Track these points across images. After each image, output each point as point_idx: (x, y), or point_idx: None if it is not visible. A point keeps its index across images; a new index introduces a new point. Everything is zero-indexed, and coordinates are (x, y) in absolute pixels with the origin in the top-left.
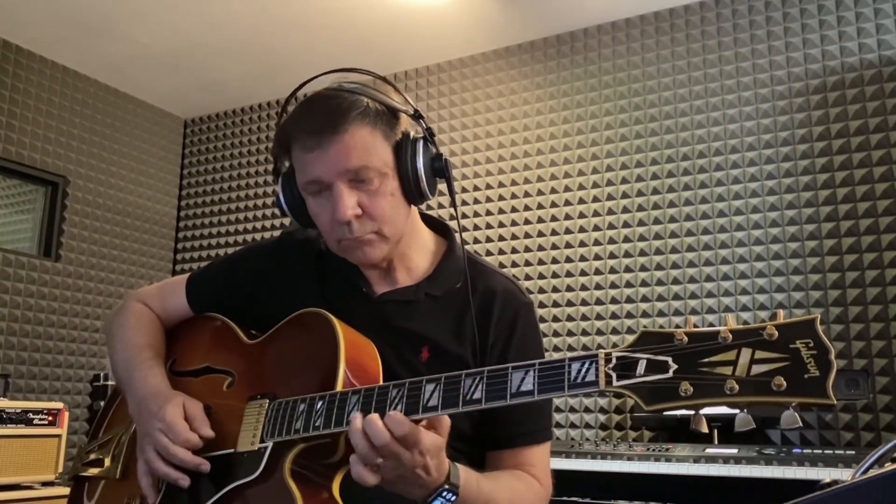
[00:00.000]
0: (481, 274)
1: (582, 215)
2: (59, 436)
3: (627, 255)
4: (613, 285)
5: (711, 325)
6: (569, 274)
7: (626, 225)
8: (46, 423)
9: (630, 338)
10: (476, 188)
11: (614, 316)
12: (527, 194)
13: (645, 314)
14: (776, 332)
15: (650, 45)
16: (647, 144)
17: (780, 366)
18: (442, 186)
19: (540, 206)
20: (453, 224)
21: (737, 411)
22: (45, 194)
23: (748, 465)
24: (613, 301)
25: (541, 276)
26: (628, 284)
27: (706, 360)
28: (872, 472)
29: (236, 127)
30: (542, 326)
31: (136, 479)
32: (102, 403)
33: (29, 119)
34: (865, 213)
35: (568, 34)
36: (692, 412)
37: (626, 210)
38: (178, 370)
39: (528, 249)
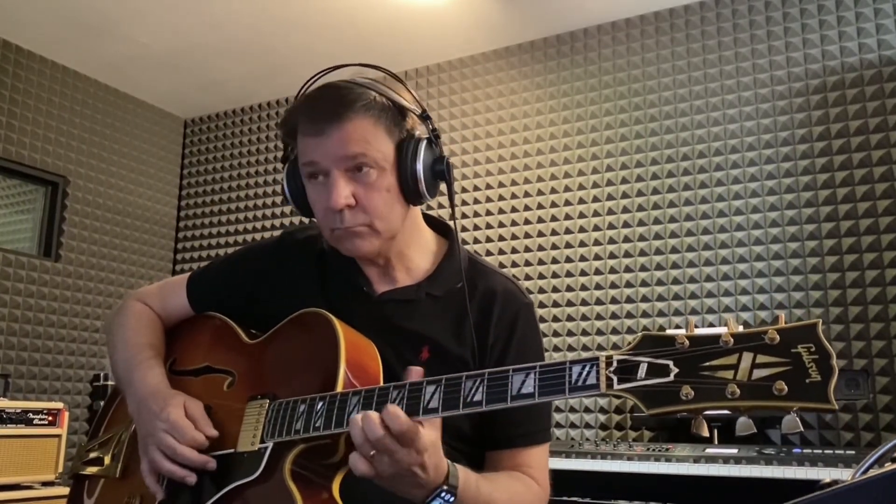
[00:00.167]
0: (481, 274)
1: (582, 215)
2: (59, 436)
3: (627, 255)
4: (613, 285)
5: (711, 325)
6: (569, 274)
7: (626, 225)
8: (46, 423)
9: (630, 338)
10: (476, 188)
11: (614, 316)
12: (527, 194)
13: (645, 314)
14: (778, 337)
15: (650, 45)
16: (647, 144)
17: (781, 370)
18: (443, 187)
19: (540, 206)
20: (452, 223)
21: (738, 415)
22: (45, 194)
23: (748, 465)
24: (613, 301)
25: (541, 276)
26: (628, 284)
27: (707, 363)
28: (872, 472)
29: (236, 127)
30: (542, 326)
31: (135, 477)
32: (102, 403)
33: (29, 119)
34: (865, 213)
35: (568, 34)
36: (693, 416)
37: (626, 210)
38: (178, 369)
39: (528, 249)
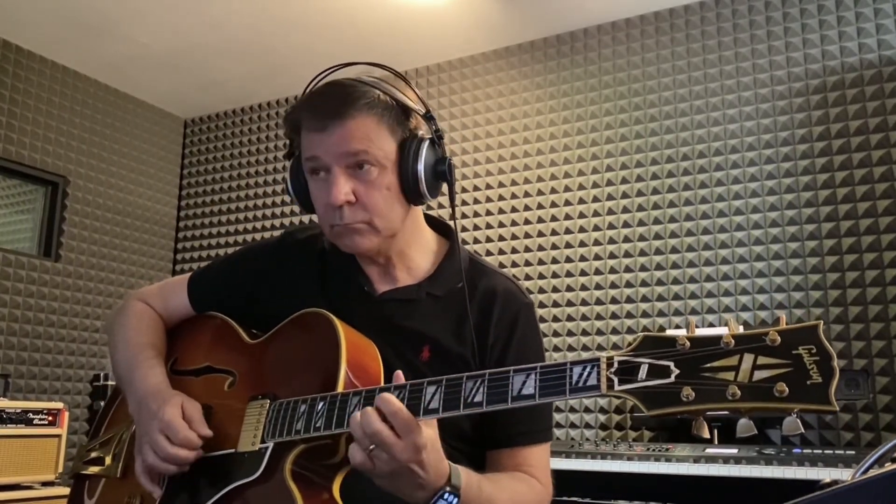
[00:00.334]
0: (482, 274)
1: (582, 215)
2: (59, 436)
3: (627, 255)
4: (613, 285)
5: (712, 325)
6: (569, 274)
7: (626, 225)
8: (46, 423)
9: (630, 338)
10: (476, 188)
11: (614, 316)
12: (527, 194)
13: (645, 314)
14: (779, 338)
15: (650, 45)
16: (647, 144)
17: (782, 372)
18: (444, 187)
19: (540, 206)
20: (452, 224)
21: (738, 417)
22: (45, 194)
23: (748, 465)
24: (613, 301)
25: (541, 276)
26: (628, 284)
27: (708, 365)
28: (872, 472)
29: (236, 127)
30: (542, 326)
31: (136, 478)
32: (102, 403)
33: (29, 119)
34: (865, 213)
35: (568, 34)
36: (694, 417)
37: (626, 210)
38: (179, 369)
39: (528, 249)
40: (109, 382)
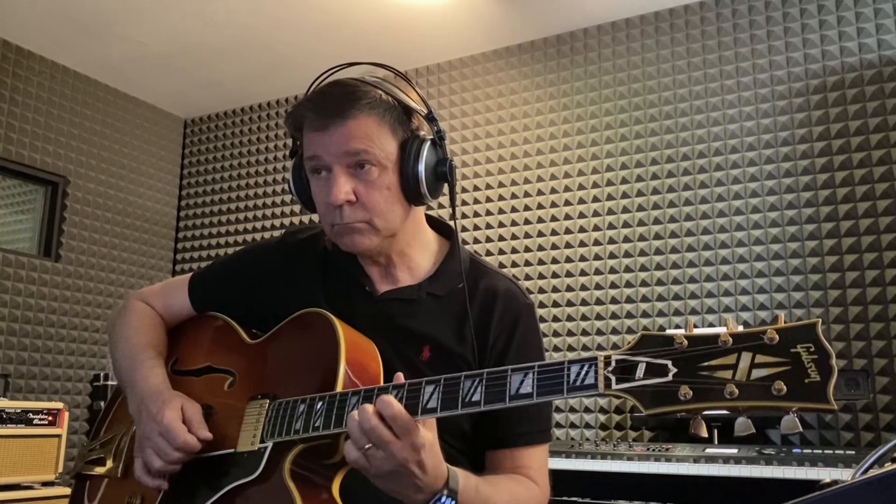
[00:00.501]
0: (483, 274)
1: (582, 215)
2: (59, 436)
3: (627, 255)
4: (613, 285)
5: (711, 325)
6: (569, 274)
7: (626, 225)
8: (46, 423)
9: (630, 338)
10: (476, 188)
11: (614, 316)
12: (527, 194)
13: (645, 314)
14: (777, 336)
15: (650, 45)
16: (647, 144)
17: (780, 370)
18: (446, 188)
19: (540, 206)
20: (453, 224)
21: (737, 415)
22: (45, 194)
23: (748, 465)
24: (613, 301)
25: (541, 276)
26: (628, 284)
27: (706, 363)
28: (872, 472)
29: (236, 127)
30: (542, 326)
31: (136, 478)
32: (102, 403)
33: (29, 119)
34: (865, 213)
35: (568, 34)
36: (692, 416)
37: (626, 210)
38: (179, 369)
39: (528, 249)
40: (109, 382)
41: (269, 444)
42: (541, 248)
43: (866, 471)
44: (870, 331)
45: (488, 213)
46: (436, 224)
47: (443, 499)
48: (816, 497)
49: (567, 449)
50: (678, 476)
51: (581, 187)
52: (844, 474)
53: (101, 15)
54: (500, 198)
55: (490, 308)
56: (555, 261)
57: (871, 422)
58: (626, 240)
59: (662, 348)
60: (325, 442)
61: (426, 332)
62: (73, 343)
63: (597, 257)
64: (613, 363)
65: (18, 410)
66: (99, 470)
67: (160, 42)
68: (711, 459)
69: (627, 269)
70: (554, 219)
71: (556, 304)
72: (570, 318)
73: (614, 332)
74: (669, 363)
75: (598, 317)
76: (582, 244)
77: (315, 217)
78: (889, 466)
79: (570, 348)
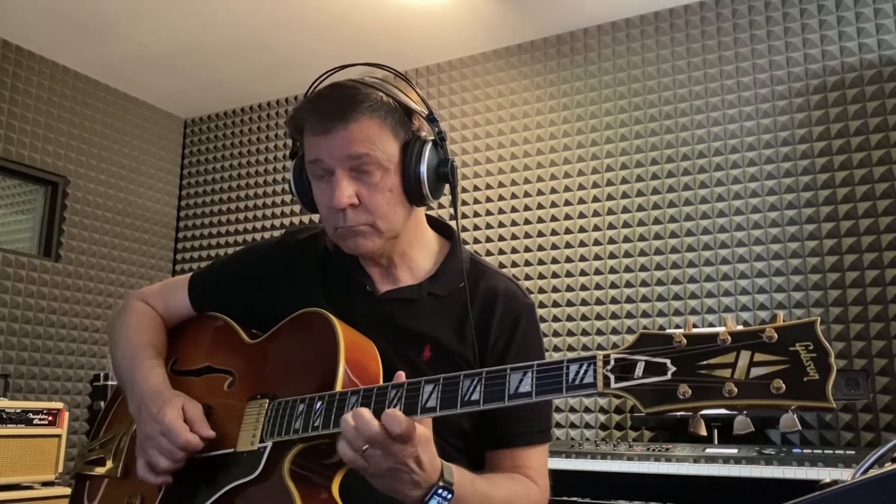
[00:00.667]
0: (484, 275)
1: (582, 215)
2: (59, 436)
3: (627, 254)
4: (613, 285)
5: (711, 325)
6: (569, 274)
7: (626, 225)
8: (46, 423)
9: (630, 338)
10: (476, 188)
11: (614, 316)
12: (527, 194)
13: (645, 314)
14: (776, 335)
15: (650, 45)
16: (647, 144)
17: (779, 368)
18: (447, 188)
19: (540, 206)
20: (453, 224)
21: (736, 414)
22: (45, 194)
23: (748, 465)
24: (613, 301)
25: (541, 276)
26: (628, 284)
27: (705, 362)
28: (872, 472)
29: (236, 127)
30: (542, 326)
31: (137, 478)
32: (102, 403)
33: (29, 119)
34: (865, 213)
35: (568, 34)
36: (691, 414)
37: (626, 210)
38: (179, 370)
39: (528, 249)
40: (109, 382)
41: (269, 444)
42: (541, 248)
43: (866, 471)
44: (870, 331)
45: (488, 213)
46: (436, 224)
47: (440, 491)
48: (816, 497)
49: (567, 449)
50: (678, 476)
51: (581, 187)
52: (844, 474)
53: (101, 15)
54: (500, 198)
55: (491, 308)
56: (555, 261)
57: (871, 422)
58: (626, 240)
59: (661, 347)
60: (325, 441)
61: (427, 332)
62: (73, 343)
63: (597, 257)
64: (612, 362)
65: (18, 410)
66: (99, 470)
67: (160, 42)
68: (711, 459)
69: (627, 269)
70: (554, 219)
71: (556, 304)
72: (570, 318)
73: (614, 332)
74: (668, 362)
75: (598, 317)
76: (582, 244)
77: (315, 217)
78: (889, 466)
79: (570, 348)
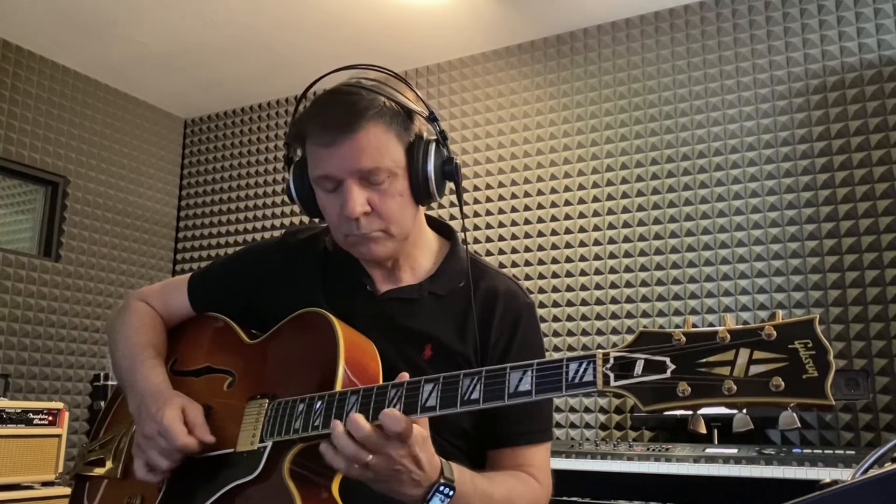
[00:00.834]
0: (484, 274)
1: (582, 215)
2: (59, 436)
3: (627, 254)
4: (613, 285)
5: (711, 325)
6: (569, 274)
7: (626, 225)
8: (46, 423)
9: (630, 338)
10: (476, 188)
11: (614, 316)
12: (527, 194)
13: (645, 314)
14: (775, 333)
15: (650, 45)
16: (647, 144)
17: (778, 366)
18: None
19: (540, 206)
20: (455, 224)
21: (735, 412)
22: (45, 194)
23: (748, 465)
24: (613, 301)
25: (541, 276)
26: (628, 284)
27: (704, 360)
28: (872, 472)
29: (236, 127)
30: (542, 326)
31: (136, 478)
32: (102, 403)
33: (29, 119)
34: (865, 213)
35: (568, 34)
36: (690, 412)
37: (626, 210)
38: (179, 370)
39: (528, 249)
40: (109, 382)
41: (269, 444)
42: (541, 248)
43: (866, 471)
44: (870, 331)
45: (488, 213)
46: (435, 224)
47: (441, 488)
48: (816, 497)
49: (567, 449)
50: (678, 476)
51: (581, 187)
52: (844, 474)
53: (101, 15)
54: (500, 198)
55: (491, 308)
56: (555, 261)
57: (871, 422)
58: (626, 240)
59: (661, 345)
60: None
61: (428, 332)
62: (73, 343)
63: (597, 257)
64: (612, 360)
65: (18, 410)
66: (98, 471)
67: (160, 42)
68: (711, 459)
69: (627, 269)
70: (554, 219)
71: (556, 304)
72: (570, 318)
73: (614, 332)
74: (668, 360)
75: (598, 317)
76: (582, 244)
77: (318, 218)
78: (889, 466)
79: (570, 348)
